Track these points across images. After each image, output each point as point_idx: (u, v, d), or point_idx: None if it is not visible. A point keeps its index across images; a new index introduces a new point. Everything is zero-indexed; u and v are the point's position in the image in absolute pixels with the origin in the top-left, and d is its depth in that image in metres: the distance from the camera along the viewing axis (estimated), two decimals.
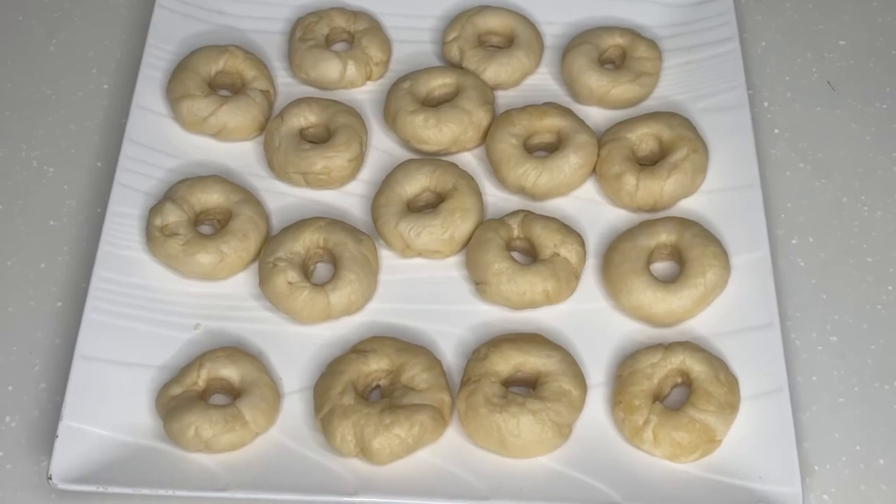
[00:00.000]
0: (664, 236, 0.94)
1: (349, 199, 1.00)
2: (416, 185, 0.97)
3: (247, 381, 0.87)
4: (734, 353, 0.89)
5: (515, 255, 0.95)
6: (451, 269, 0.96)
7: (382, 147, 1.03)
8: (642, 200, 0.97)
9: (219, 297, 0.94)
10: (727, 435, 0.86)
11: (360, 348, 0.88)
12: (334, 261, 0.93)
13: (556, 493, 0.83)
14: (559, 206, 0.99)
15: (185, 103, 1.01)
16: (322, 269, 0.95)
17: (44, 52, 1.11)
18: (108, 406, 0.87)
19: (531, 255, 0.95)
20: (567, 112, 1.01)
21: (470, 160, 1.02)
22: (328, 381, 0.87)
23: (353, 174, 1.00)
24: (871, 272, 0.97)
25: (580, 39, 1.06)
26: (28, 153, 1.04)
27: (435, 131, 1.00)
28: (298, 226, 0.94)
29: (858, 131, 1.06)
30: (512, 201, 0.99)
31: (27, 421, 0.89)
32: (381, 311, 0.93)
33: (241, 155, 1.02)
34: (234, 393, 0.88)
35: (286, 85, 1.07)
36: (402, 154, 1.02)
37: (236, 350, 0.89)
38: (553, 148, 1.00)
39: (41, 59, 1.11)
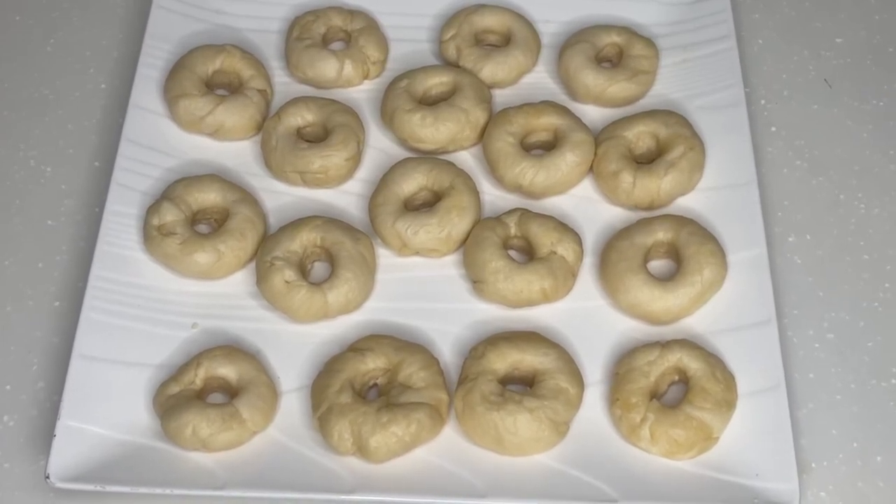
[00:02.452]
0: (661, 234, 0.94)
1: (346, 198, 1.00)
2: (413, 183, 0.97)
3: (244, 380, 0.87)
4: (731, 351, 0.90)
5: (512, 253, 0.95)
6: (448, 267, 0.96)
7: (379, 146, 1.03)
8: (639, 198, 0.97)
9: (216, 296, 0.94)
10: (724, 432, 0.86)
11: (358, 347, 0.89)
12: (331, 260, 0.93)
13: (553, 491, 0.83)
14: (556, 204, 0.99)
15: (182, 102, 1.01)
16: (319, 268, 0.95)
17: (41, 52, 1.12)
18: (106, 405, 0.87)
19: (528, 254, 0.95)
20: (564, 110, 1.01)
21: (467, 159, 1.02)
22: (325, 379, 0.87)
23: (350, 173, 1.00)
24: (868, 269, 0.97)
25: (577, 38, 1.06)
26: (26, 153, 1.04)
27: (432, 130, 1.00)
28: (296, 225, 0.94)
29: (855, 129, 1.06)
30: (509, 200, 0.99)
31: (25, 420, 0.89)
32: (378, 310, 0.93)
33: (238, 154, 1.02)
34: (232, 392, 0.88)
35: (283, 84, 1.07)
36: (400, 153, 1.02)
37: (234, 349, 0.89)
38: (550, 146, 1.00)
39: (39, 59, 1.11)
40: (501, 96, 1.06)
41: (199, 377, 0.87)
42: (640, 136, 1.00)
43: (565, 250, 0.93)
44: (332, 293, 0.91)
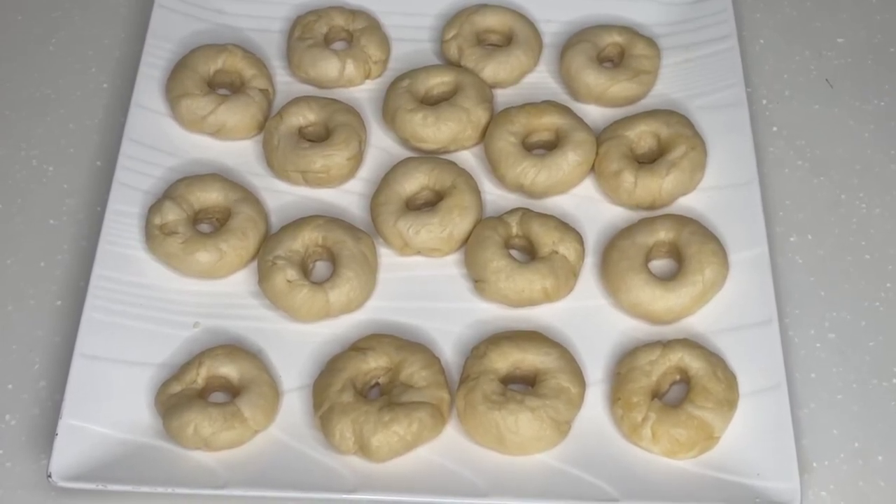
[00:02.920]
0: (662, 234, 0.94)
1: (348, 197, 1.00)
2: (414, 183, 0.97)
3: (246, 379, 0.87)
4: (732, 350, 0.90)
5: (514, 252, 0.96)
6: (449, 267, 0.96)
7: (381, 145, 1.03)
8: (641, 198, 0.97)
9: (218, 295, 0.94)
10: (725, 432, 0.86)
11: (360, 346, 0.89)
12: (333, 259, 0.93)
13: (554, 490, 0.83)
14: (558, 203, 0.99)
15: (184, 102, 1.01)
16: (321, 268, 0.95)
17: (43, 52, 1.12)
18: (108, 404, 0.87)
19: (530, 253, 0.95)
20: (565, 110, 1.01)
21: (468, 158, 1.02)
22: (327, 378, 0.87)
23: (351, 173, 1.00)
24: (870, 269, 0.97)
25: (578, 38, 1.06)
26: (28, 152, 1.05)
27: (434, 129, 1.00)
28: (297, 224, 0.94)
29: (856, 129, 1.06)
30: (510, 199, 0.99)
31: (27, 419, 0.89)
32: (380, 309, 0.93)
33: (240, 153, 1.02)
34: (234, 391, 0.88)
35: (285, 84, 1.07)
36: (401, 152, 1.02)
37: (235, 348, 0.89)
38: (552, 146, 1.00)
39: (40, 59, 1.11)
40: (503, 96, 1.06)
41: (200, 376, 0.87)
42: (642, 136, 1.00)
43: (567, 250, 0.93)
44: (333, 292, 0.91)
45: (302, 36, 1.07)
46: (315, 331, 0.92)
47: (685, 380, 0.88)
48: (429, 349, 0.89)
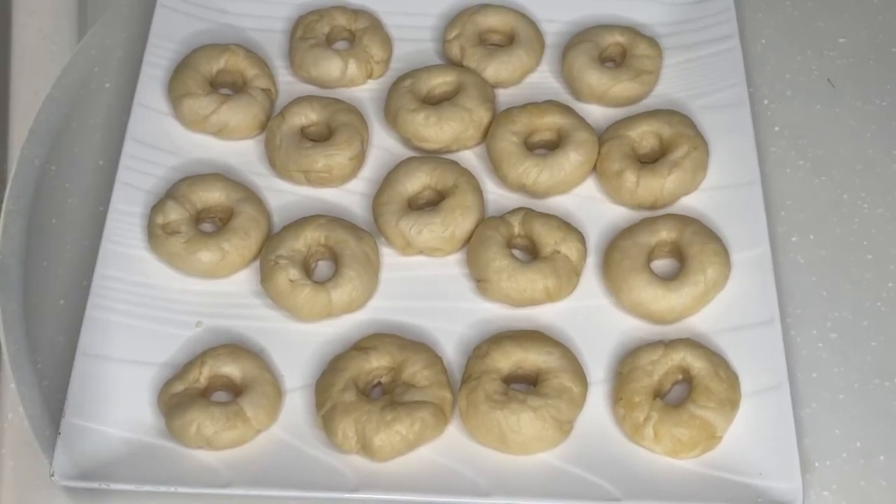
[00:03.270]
0: (664, 233, 0.94)
1: (350, 197, 1.00)
2: (416, 182, 0.97)
3: (248, 379, 0.87)
4: (734, 350, 0.90)
5: (516, 252, 0.96)
6: (451, 266, 0.96)
7: (383, 145, 1.03)
8: (643, 198, 0.97)
9: (220, 294, 0.94)
10: (728, 431, 0.86)
11: (362, 345, 0.89)
12: (335, 258, 0.93)
13: (556, 490, 0.83)
14: (560, 203, 0.99)
15: (186, 102, 1.01)
16: (323, 267, 0.96)
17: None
18: (110, 403, 0.87)
19: (532, 253, 0.95)
20: (567, 110, 1.01)
21: (470, 158, 1.02)
22: (329, 378, 0.87)
23: (354, 172, 1.00)
24: (871, 269, 0.97)
25: (580, 37, 1.06)
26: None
27: (436, 129, 1.00)
28: (299, 224, 0.94)
29: (858, 129, 1.06)
30: (512, 199, 0.99)
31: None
32: (382, 309, 0.93)
33: (242, 153, 1.02)
34: (236, 390, 0.88)
35: (287, 83, 1.07)
36: (403, 152, 1.02)
37: (238, 347, 0.89)
38: (553, 146, 1.00)
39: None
40: (505, 96, 1.06)
41: (203, 375, 0.87)
42: (644, 136, 1.00)
43: (569, 249, 0.93)
44: (335, 292, 0.91)
45: (304, 36, 1.07)
46: (317, 330, 0.92)
47: (687, 379, 0.88)
48: (431, 349, 0.89)
